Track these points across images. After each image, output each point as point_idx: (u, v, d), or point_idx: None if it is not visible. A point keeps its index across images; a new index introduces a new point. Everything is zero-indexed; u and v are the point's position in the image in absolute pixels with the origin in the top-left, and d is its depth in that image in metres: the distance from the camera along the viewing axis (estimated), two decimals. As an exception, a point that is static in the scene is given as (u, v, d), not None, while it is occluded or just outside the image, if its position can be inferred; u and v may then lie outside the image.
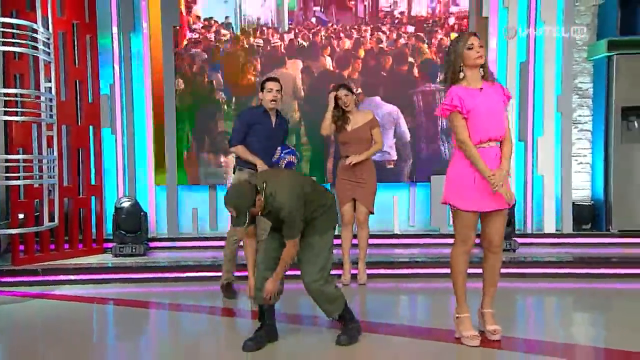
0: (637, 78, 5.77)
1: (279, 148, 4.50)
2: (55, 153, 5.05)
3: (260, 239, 3.87)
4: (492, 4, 5.90)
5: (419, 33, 5.92)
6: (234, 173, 4.55)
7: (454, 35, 5.62)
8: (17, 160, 4.77)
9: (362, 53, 5.96)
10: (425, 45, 5.90)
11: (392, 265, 5.15)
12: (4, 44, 4.63)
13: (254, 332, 3.34)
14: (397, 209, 6.08)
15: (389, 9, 5.95)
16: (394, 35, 5.94)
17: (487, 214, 3.24)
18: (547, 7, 5.88)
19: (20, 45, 4.64)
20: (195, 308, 4.32)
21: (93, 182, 5.63)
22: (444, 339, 3.41)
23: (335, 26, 5.95)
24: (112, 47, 5.86)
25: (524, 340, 3.41)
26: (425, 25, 5.92)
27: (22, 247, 5.09)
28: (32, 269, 4.99)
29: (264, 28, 5.93)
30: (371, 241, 4.97)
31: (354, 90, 4.89)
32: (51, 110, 4.91)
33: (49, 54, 4.85)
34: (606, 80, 5.89)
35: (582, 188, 6.27)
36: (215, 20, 5.92)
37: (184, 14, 5.87)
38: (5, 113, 4.66)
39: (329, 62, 5.96)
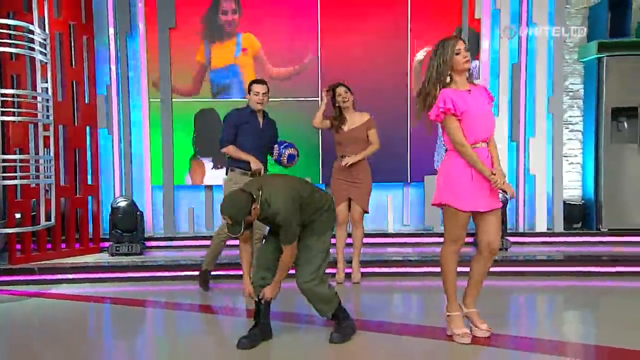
0: (627, 79, 5.84)
1: (276, 145, 4.56)
2: (52, 153, 5.07)
3: (255, 237, 3.92)
4: (484, 5, 5.96)
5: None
6: (226, 174, 4.62)
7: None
8: (14, 160, 4.80)
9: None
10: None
11: (386, 264, 5.21)
12: (1, 44, 4.67)
13: (248, 331, 3.38)
14: (392, 208, 6.15)
15: None
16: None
17: (481, 215, 3.27)
18: (539, 9, 5.94)
19: (17, 46, 4.68)
20: (191, 307, 4.36)
21: (90, 182, 5.67)
22: (436, 336, 3.45)
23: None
24: (109, 47, 5.89)
25: (516, 338, 3.44)
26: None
27: (19, 247, 5.12)
28: (29, 268, 5.02)
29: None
30: (365, 240, 5.03)
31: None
32: (48, 111, 4.95)
33: (45, 54, 4.88)
34: (596, 81, 5.96)
35: (573, 187, 6.34)
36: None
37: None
38: (2, 113, 4.70)
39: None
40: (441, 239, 3.42)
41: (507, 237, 5.55)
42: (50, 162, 5.01)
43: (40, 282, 4.94)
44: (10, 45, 4.67)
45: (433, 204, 3.38)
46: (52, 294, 4.68)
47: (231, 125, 4.51)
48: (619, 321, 3.84)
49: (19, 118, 4.80)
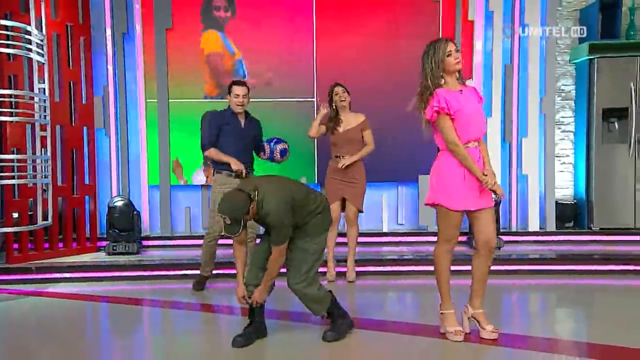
0: (618, 80, 5.90)
1: (265, 143, 4.56)
2: (49, 153, 5.10)
3: (248, 237, 3.94)
4: (477, 7, 6.02)
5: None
6: (213, 176, 4.62)
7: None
8: (11, 160, 4.83)
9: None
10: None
11: (381, 263, 5.26)
12: (-2, 45, 4.70)
13: (243, 329, 3.41)
14: (386, 207, 6.21)
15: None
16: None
17: (476, 213, 3.30)
18: (531, 10, 6.01)
19: (14, 46, 4.70)
20: (187, 305, 4.39)
21: (87, 182, 5.70)
22: (431, 334, 3.48)
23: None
24: (106, 48, 5.92)
25: (509, 335, 3.46)
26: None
27: (16, 246, 5.15)
28: (26, 267, 5.05)
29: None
30: (360, 239, 5.08)
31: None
32: (45, 111, 4.98)
33: (42, 55, 4.91)
34: (588, 82, 6.02)
35: (565, 187, 6.41)
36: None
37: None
38: (0, 114, 4.72)
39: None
40: (435, 238, 3.45)
41: (500, 236, 5.62)
42: (47, 162, 5.04)
43: (38, 281, 4.97)
44: (7, 46, 4.68)
45: (426, 204, 3.41)
46: (49, 293, 4.71)
47: (212, 127, 4.46)
48: (610, 319, 3.90)
49: (17, 118, 4.83)
